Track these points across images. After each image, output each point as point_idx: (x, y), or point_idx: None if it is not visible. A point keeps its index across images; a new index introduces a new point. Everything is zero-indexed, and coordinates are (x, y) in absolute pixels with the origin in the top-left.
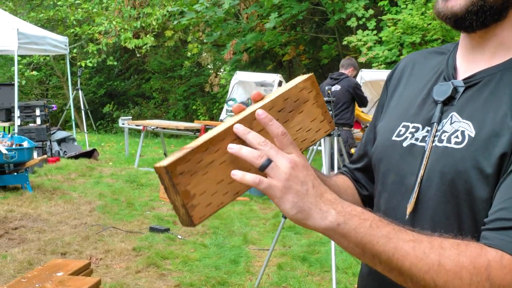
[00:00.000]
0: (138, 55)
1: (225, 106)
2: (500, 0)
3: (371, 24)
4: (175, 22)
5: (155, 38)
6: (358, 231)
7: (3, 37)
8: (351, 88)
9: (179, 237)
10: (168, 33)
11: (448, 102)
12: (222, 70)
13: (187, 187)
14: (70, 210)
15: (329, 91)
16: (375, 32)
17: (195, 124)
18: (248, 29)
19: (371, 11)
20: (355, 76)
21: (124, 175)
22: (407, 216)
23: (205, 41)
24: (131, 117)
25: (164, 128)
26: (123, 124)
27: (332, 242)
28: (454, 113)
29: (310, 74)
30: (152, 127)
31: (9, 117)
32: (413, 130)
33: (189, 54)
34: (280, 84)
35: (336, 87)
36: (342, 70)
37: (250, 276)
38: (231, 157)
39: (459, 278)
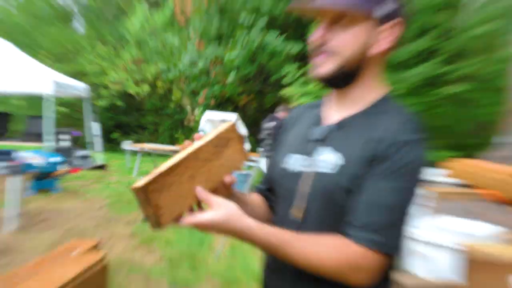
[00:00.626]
0: (137, 98)
1: None
2: (356, 66)
3: (300, 80)
4: (164, 76)
5: (150, 86)
6: (266, 236)
7: (43, 84)
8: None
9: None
10: (159, 83)
11: (321, 139)
12: (196, 110)
13: (157, 201)
14: (86, 206)
15: (268, 126)
16: (303, 86)
17: (177, 147)
18: (215, 82)
19: (300, 72)
20: None
21: (125, 182)
22: (296, 219)
23: (185, 89)
24: (131, 141)
25: (154, 150)
26: (125, 146)
27: None
28: (325, 148)
29: (232, 122)
30: (146, 149)
31: (43, 140)
32: (298, 159)
33: (173, 98)
34: (236, 121)
35: (273, 123)
36: (279, 113)
37: (212, 251)
38: (186, 180)
39: (333, 264)
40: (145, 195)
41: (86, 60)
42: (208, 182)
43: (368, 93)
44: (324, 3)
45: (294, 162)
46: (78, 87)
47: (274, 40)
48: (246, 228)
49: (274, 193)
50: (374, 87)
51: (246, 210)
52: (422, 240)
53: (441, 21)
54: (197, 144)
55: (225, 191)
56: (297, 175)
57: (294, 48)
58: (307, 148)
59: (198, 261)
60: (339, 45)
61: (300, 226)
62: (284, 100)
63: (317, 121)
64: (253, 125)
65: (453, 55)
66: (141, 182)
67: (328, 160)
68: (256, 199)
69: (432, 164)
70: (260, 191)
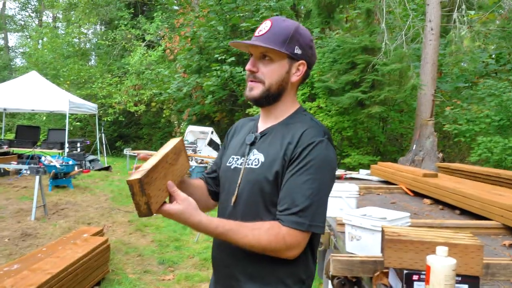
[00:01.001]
0: (136, 115)
1: None
2: (277, 91)
3: None
4: (157, 98)
5: (145, 106)
6: (214, 227)
7: (61, 103)
8: None
9: (154, 214)
10: (153, 104)
11: (252, 144)
12: (182, 124)
13: (148, 191)
14: (94, 199)
15: None
16: None
17: None
18: (196, 103)
19: None
20: None
21: (125, 180)
22: (232, 204)
23: (173, 108)
24: (131, 148)
25: (150, 155)
26: (126, 152)
27: None
28: (255, 149)
29: (181, 138)
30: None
31: (62, 147)
32: (236, 159)
33: (164, 115)
34: (212, 133)
35: None
36: None
37: (193, 236)
38: (162, 176)
39: (270, 244)
40: (141, 186)
41: (97, 86)
42: (172, 180)
43: (286, 109)
44: (257, 43)
45: (234, 161)
46: (89, 107)
47: (240, 73)
48: (198, 222)
49: (215, 181)
50: (291, 106)
51: (191, 190)
52: (351, 224)
53: (365, 59)
54: (163, 151)
55: (180, 185)
56: (235, 171)
57: None
58: (243, 150)
59: (182, 243)
60: (265, 75)
61: (233, 209)
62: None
63: (252, 130)
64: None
65: (375, 84)
66: (136, 175)
67: (254, 158)
68: (199, 183)
69: (358, 165)
70: (203, 178)
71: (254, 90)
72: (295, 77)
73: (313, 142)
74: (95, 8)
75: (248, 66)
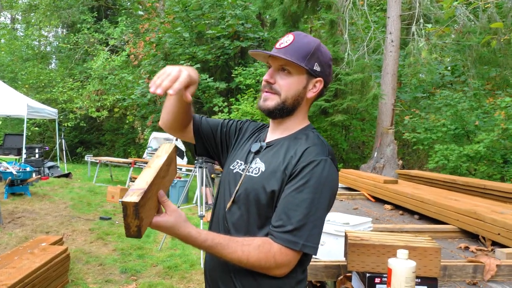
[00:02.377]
0: (98, 120)
1: (146, 151)
2: (292, 105)
3: (226, 109)
4: (120, 104)
5: (108, 112)
6: (203, 241)
7: (19, 108)
8: None
9: (117, 222)
10: (116, 109)
11: (257, 152)
12: (145, 131)
13: (141, 214)
14: (53, 207)
15: None
16: (227, 114)
17: (129, 160)
18: (160, 110)
19: (225, 103)
20: None
21: (86, 187)
22: (226, 209)
23: (136, 114)
24: (92, 155)
25: (111, 161)
26: (87, 158)
27: (202, 224)
28: (258, 158)
29: (174, 144)
30: (104, 161)
31: (19, 153)
32: (240, 164)
33: (127, 121)
34: (177, 139)
35: None
36: None
37: (156, 244)
38: (156, 191)
39: (259, 262)
40: (136, 209)
41: (57, 90)
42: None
43: (296, 125)
44: (279, 54)
45: (237, 166)
46: (49, 111)
47: (206, 79)
48: (187, 234)
49: (201, 127)
50: (302, 121)
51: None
52: None
53: None
54: (157, 163)
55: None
56: (236, 175)
57: (220, 85)
58: (247, 157)
59: (145, 252)
60: (281, 87)
61: (227, 214)
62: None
63: (260, 139)
64: (189, 143)
65: (338, 93)
66: (132, 198)
67: (255, 167)
68: (191, 111)
69: None
70: (196, 119)
71: (269, 101)
72: (311, 93)
73: (315, 160)
74: (56, 11)
75: (266, 77)
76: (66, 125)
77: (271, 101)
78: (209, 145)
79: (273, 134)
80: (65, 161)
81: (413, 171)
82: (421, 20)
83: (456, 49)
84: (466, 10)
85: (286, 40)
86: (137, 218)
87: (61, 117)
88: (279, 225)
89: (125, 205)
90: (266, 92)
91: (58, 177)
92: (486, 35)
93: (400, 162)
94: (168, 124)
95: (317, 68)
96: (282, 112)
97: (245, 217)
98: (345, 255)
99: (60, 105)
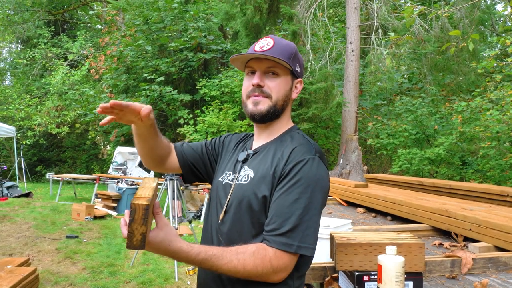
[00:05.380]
0: (58, 137)
1: (111, 166)
2: (281, 106)
3: (192, 121)
4: (81, 119)
5: (69, 128)
6: (196, 254)
7: None
8: None
9: (84, 240)
10: (77, 125)
11: (244, 161)
12: (108, 146)
13: (149, 221)
14: (15, 228)
15: None
16: (193, 126)
17: (93, 176)
18: (124, 124)
19: (190, 116)
20: None
21: (49, 206)
22: (219, 220)
23: (99, 129)
24: (54, 172)
25: (74, 178)
26: (49, 176)
27: None
28: (246, 166)
29: (157, 179)
30: (67, 178)
31: None
32: (229, 175)
33: (89, 137)
34: None
35: None
36: None
37: (127, 260)
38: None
39: (255, 269)
40: (145, 213)
41: (14, 107)
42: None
43: (281, 127)
44: (270, 54)
45: (226, 177)
46: (6, 129)
47: (170, 92)
48: (179, 248)
49: (186, 156)
50: (286, 124)
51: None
52: None
53: None
54: (149, 185)
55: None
56: (226, 186)
57: (185, 98)
58: (235, 166)
59: (117, 268)
60: (272, 89)
61: (220, 225)
62: (180, 136)
63: (246, 147)
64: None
65: (302, 102)
66: (142, 201)
67: (244, 174)
68: (165, 142)
69: None
70: (178, 148)
71: (261, 104)
72: (294, 94)
73: (303, 159)
74: (10, 26)
75: (255, 80)
76: (24, 143)
77: (263, 105)
78: (197, 168)
79: (258, 140)
80: (24, 180)
81: (380, 175)
82: (380, 30)
83: (412, 57)
84: (421, 21)
85: (267, 43)
86: (144, 224)
87: (19, 134)
88: (272, 228)
89: (135, 207)
90: (256, 96)
91: (18, 197)
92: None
93: (365, 167)
94: (147, 161)
95: (298, 69)
96: (273, 115)
97: (238, 227)
98: (332, 255)
99: (17, 123)
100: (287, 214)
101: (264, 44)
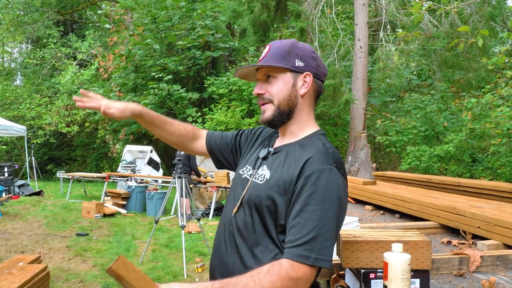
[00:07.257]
0: (68, 136)
1: (120, 164)
2: (287, 107)
3: (200, 120)
4: (91, 118)
5: (79, 126)
6: (211, 284)
7: None
8: (187, 156)
9: (94, 238)
10: (87, 124)
11: (264, 158)
12: (118, 145)
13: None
14: (26, 226)
15: (179, 154)
16: (201, 124)
17: (103, 174)
18: (133, 122)
19: (198, 114)
20: None
21: (59, 204)
22: (233, 213)
23: (108, 128)
24: (64, 171)
25: (84, 176)
26: (59, 175)
27: (183, 235)
28: (264, 165)
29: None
30: (77, 176)
31: None
32: (248, 170)
33: (99, 136)
34: (152, 151)
35: (182, 152)
36: None
37: (137, 257)
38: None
39: (274, 285)
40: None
41: (24, 107)
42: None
43: (302, 128)
44: (262, 63)
45: (246, 171)
46: (17, 129)
47: (178, 90)
48: (192, 284)
49: (215, 143)
50: (307, 124)
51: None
52: None
53: None
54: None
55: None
56: (244, 181)
57: (193, 96)
58: (256, 163)
59: None
60: (272, 94)
61: (233, 218)
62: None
63: (269, 144)
64: (164, 154)
65: None
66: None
67: (261, 173)
68: (182, 130)
69: None
70: (208, 135)
71: (266, 112)
72: (303, 90)
73: (319, 169)
74: (20, 26)
75: (255, 91)
76: (35, 142)
77: (268, 111)
78: (224, 156)
79: (281, 139)
80: (35, 179)
81: (389, 172)
82: (388, 27)
83: (421, 54)
84: (430, 17)
85: (264, 52)
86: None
87: (30, 134)
88: (289, 240)
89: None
90: (262, 104)
91: (29, 195)
92: (451, 40)
93: (374, 165)
94: (170, 144)
95: (299, 64)
96: (281, 118)
97: (249, 222)
98: (338, 253)
99: (28, 122)
100: (304, 225)
101: (263, 53)
